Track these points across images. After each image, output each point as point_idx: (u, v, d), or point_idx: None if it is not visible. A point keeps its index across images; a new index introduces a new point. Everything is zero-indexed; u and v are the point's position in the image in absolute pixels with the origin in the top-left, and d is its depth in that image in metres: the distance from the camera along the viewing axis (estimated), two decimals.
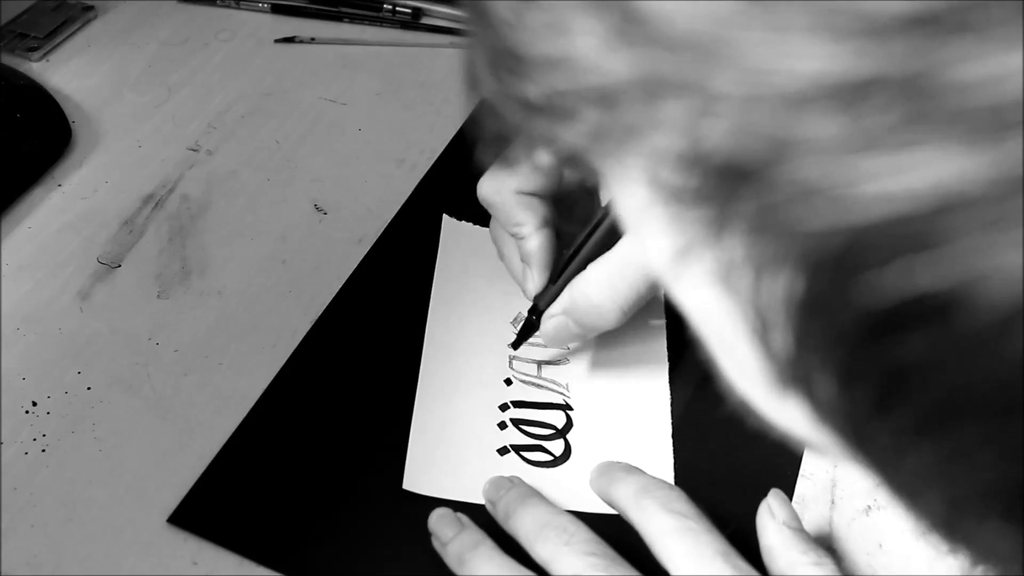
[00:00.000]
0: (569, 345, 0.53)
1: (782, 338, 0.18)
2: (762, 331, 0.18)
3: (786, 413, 0.21)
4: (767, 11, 0.16)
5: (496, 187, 0.51)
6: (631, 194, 0.20)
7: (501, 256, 0.53)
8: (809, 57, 0.15)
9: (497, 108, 0.20)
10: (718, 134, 0.16)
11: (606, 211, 0.48)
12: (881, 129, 0.15)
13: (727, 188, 0.17)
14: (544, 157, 0.56)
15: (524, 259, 0.51)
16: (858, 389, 0.17)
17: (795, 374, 0.18)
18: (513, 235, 0.51)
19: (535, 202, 0.50)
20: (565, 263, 0.49)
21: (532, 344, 0.54)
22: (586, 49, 0.18)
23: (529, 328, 0.52)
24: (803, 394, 0.19)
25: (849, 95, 0.15)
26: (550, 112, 0.19)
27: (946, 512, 0.19)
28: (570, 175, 0.51)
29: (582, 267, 0.48)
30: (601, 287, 0.47)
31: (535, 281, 0.50)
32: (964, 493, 0.18)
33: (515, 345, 0.53)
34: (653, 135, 0.17)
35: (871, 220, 0.15)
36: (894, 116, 0.15)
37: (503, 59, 0.19)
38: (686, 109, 0.17)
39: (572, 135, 0.19)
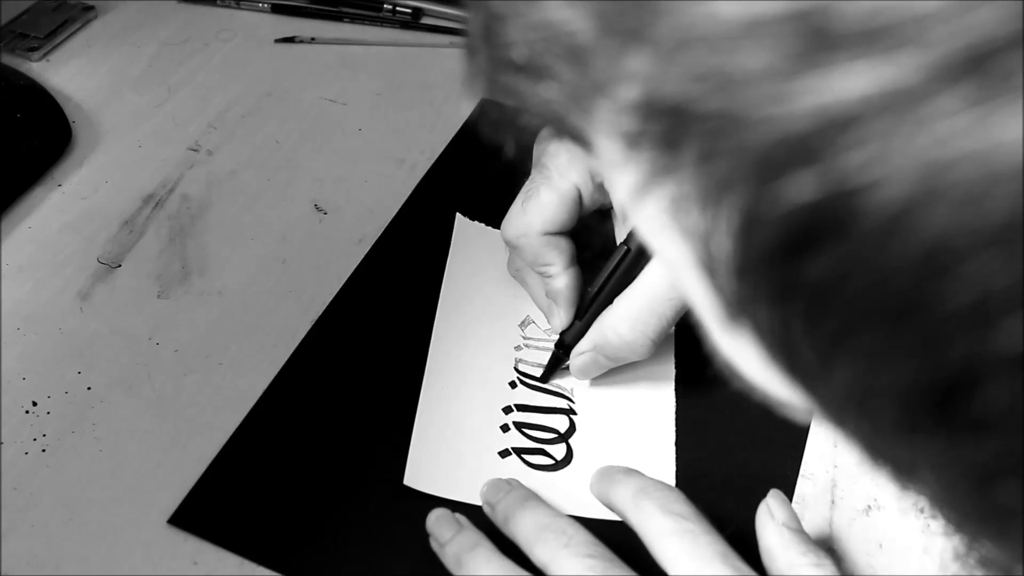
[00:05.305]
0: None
1: (725, 270, 0.19)
2: (710, 265, 0.20)
3: (740, 351, 0.22)
4: None
5: (522, 230, 0.52)
6: (606, 149, 0.21)
7: (523, 285, 0.54)
8: (729, 1, 0.18)
9: (490, 74, 0.23)
10: (667, 78, 0.18)
11: (626, 246, 0.49)
12: (788, 59, 0.17)
13: (675, 127, 0.19)
14: (561, 185, 0.55)
15: (551, 296, 0.52)
16: (788, 311, 0.19)
17: (739, 305, 0.20)
18: (541, 274, 0.52)
19: (561, 241, 0.51)
20: (591, 300, 0.50)
21: (537, 347, 0.54)
22: (553, 8, 0.20)
23: (556, 362, 0.53)
24: (749, 326, 0.20)
25: (763, 32, 0.17)
26: (532, 72, 0.21)
27: (867, 431, 0.20)
28: (587, 206, 0.52)
29: (608, 303, 0.49)
30: (632, 323, 0.48)
31: (562, 318, 0.52)
32: (877, 407, 0.19)
33: (543, 379, 0.53)
34: (617, 88, 0.19)
35: (771, 139, 0.17)
36: (797, 47, 0.17)
37: (492, 25, 0.22)
38: (641, 59, 0.19)
39: (552, 93, 0.21)
